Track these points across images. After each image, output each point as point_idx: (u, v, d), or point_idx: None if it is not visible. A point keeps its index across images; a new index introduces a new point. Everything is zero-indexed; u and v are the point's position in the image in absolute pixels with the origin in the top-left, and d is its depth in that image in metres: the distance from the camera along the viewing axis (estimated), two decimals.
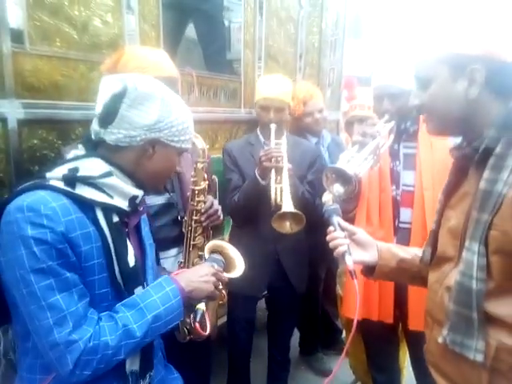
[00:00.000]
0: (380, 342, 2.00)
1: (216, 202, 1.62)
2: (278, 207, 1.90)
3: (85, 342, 0.91)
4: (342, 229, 1.27)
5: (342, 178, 1.48)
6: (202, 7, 2.88)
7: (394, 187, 1.78)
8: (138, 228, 1.20)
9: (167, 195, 1.65)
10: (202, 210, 1.56)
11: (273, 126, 2.06)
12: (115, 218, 1.04)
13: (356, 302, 1.12)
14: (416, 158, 1.74)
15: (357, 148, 1.62)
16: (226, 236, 2.54)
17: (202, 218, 1.56)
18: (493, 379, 0.94)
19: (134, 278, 1.06)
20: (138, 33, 1.89)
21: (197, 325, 1.08)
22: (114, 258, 1.01)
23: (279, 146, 2.02)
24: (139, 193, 1.09)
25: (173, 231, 1.67)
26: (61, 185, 0.97)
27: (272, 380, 2.48)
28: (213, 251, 1.35)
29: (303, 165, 2.13)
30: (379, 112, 1.76)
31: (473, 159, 0.97)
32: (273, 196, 1.92)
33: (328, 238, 1.27)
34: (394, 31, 14.30)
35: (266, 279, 2.19)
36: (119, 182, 1.03)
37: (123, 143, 1.02)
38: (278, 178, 1.94)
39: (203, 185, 1.55)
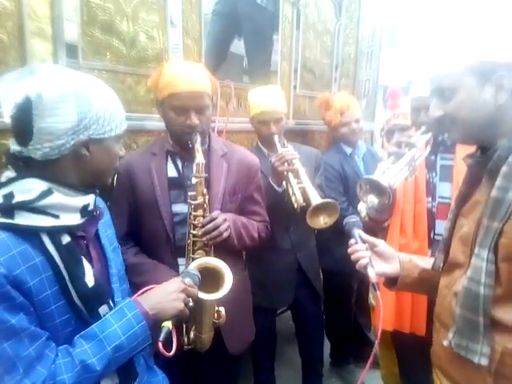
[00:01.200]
0: (413, 356, 1.97)
1: (222, 218, 1.53)
2: (303, 209, 1.89)
3: None
4: (363, 241, 1.28)
5: (377, 189, 1.48)
6: (253, 19, 2.94)
7: (429, 199, 1.76)
8: (97, 235, 1.11)
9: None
10: (200, 225, 1.51)
11: (276, 137, 2.07)
12: (65, 239, 0.95)
13: (380, 312, 1.13)
14: (453, 169, 1.72)
15: (392, 159, 1.62)
16: None
17: (200, 233, 1.51)
18: (497, 383, 0.96)
19: (95, 299, 0.99)
20: (181, 47, 1.98)
21: (159, 344, 0.97)
22: (68, 283, 0.93)
23: (288, 150, 2.02)
24: (89, 199, 1.00)
25: None
26: None
27: None
28: (201, 268, 1.30)
29: (309, 169, 2.12)
30: (416, 123, 1.75)
31: (486, 168, 0.98)
32: (297, 197, 1.91)
33: (349, 250, 1.28)
34: (431, 40, 14.07)
35: (293, 290, 2.19)
36: (62, 197, 0.93)
37: (53, 156, 0.92)
38: (296, 179, 1.94)
39: (200, 199, 1.50)
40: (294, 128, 2.69)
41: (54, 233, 0.93)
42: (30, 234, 0.90)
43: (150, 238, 1.61)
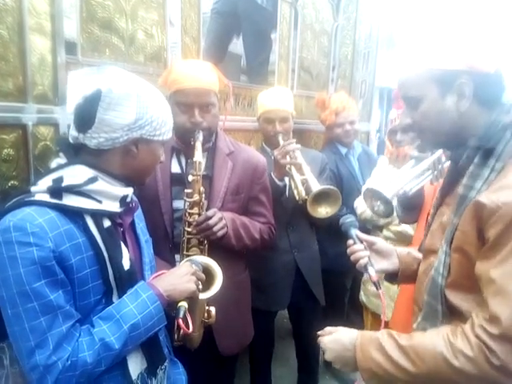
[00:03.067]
0: None
1: (218, 217, 1.54)
2: (305, 201, 1.90)
3: (63, 361, 0.91)
4: (361, 241, 1.29)
5: (381, 198, 1.49)
6: (252, 18, 2.95)
7: None
8: (132, 226, 1.20)
9: None
10: (194, 223, 1.52)
11: (280, 136, 2.08)
12: (107, 223, 1.03)
13: (383, 310, 1.17)
14: None
15: (413, 163, 1.60)
16: None
17: (194, 231, 1.52)
18: None
19: (128, 281, 1.05)
20: (180, 45, 1.99)
21: (180, 321, 1.04)
22: (108, 264, 1.01)
23: (290, 142, 2.01)
24: (128, 191, 1.08)
25: None
26: (47, 197, 0.96)
27: None
28: None
29: (314, 172, 2.11)
30: None
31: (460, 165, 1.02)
32: (299, 189, 1.91)
33: (348, 251, 1.29)
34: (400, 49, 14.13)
35: (289, 291, 2.17)
36: (106, 185, 1.02)
37: (106, 146, 1.01)
38: (298, 172, 1.95)
39: (197, 197, 1.51)
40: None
41: (97, 216, 1.01)
42: (75, 215, 0.98)
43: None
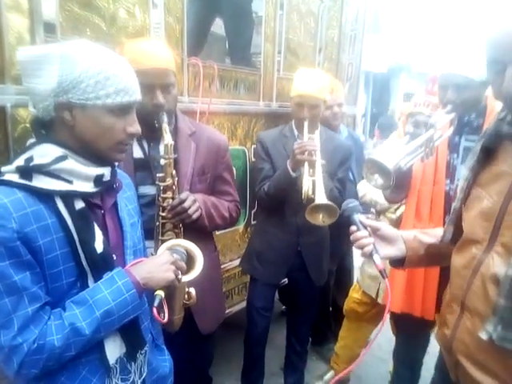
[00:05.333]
0: (414, 337, 2.01)
1: (191, 199, 1.53)
2: (309, 200, 1.91)
3: (29, 344, 0.90)
4: (365, 226, 1.23)
5: (381, 170, 1.44)
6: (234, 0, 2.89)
7: (448, 181, 1.72)
8: (115, 207, 1.14)
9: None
10: (168, 207, 1.50)
11: (306, 123, 2.07)
12: (79, 205, 1.00)
13: (388, 298, 1.12)
14: None
15: (407, 139, 1.57)
16: (241, 226, 2.60)
17: (169, 215, 1.51)
18: None
19: (102, 264, 1.02)
20: (163, 25, 1.94)
21: (154, 310, 1.01)
22: (78, 246, 0.98)
23: (313, 139, 2.03)
24: (104, 171, 1.03)
25: None
26: (16, 178, 0.93)
27: (290, 370, 2.52)
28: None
29: (334, 161, 2.13)
30: (442, 102, 1.67)
31: None
32: (305, 189, 1.92)
33: (352, 238, 1.23)
34: (412, 28, 14.12)
35: (285, 268, 2.24)
36: (75, 164, 0.98)
37: (46, 117, 0.97)
38: (311, 171, 1.95)
39: (169, 181, 1.49)
40: (277, 110, 2.68)
41: (68, 197, 0.98)
42: (45, 196, 0.95)
43: None
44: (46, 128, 1.01)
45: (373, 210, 2.37)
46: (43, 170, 0.94)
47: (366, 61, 3.56)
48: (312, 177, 1.94)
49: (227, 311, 2.49)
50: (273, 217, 2.21)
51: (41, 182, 0.94)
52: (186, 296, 1.42)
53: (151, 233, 1.53)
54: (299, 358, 2.50)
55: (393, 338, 2.23)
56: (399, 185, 1.75)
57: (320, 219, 1.93)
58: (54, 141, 0.98)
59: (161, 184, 1.50)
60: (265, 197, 2.11)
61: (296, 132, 2.20)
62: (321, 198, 1.87)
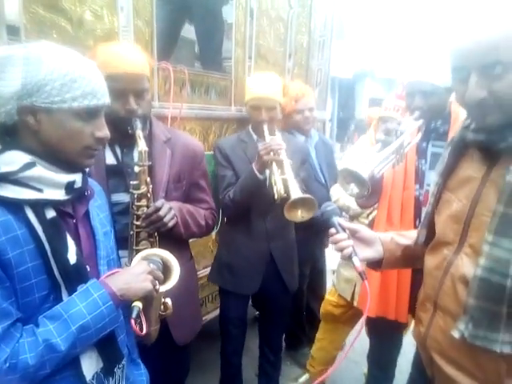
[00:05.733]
0: (387, 339, 2.04)
1: (167, 207, 1.49)
2: (283, 199, 1.89)
3: (0, 363, 0.85)
4: (344, 229, 1.24)
5: (357, 179, 1.46)
6: (202, 3, 2.86)
7: (417, 186, 1.75)
8: (87, 216, 1.10)
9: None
10: (143, 216, 1.47)
11: (265, 125, 2.06)
12: (50, 214, 0.96)
13: (367, 300, 1.12)
14: None
15: (379, 147, 1.60)
16: (214, 233, 2.56)
17: (143, 224, 1.48)
18: (511, 367, 0.95)
19: (75, 276, 0.98)
20: (131, 29, 1.89)
21: (132, 322, 0.98)
22: (50, 258, 0.94)
23: (277, 139, 2.01)
24: (75, 177, 0.99)
25: None
26: None
27: (264, 379, 2.49)
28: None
29: (295, 161, 2.12)
30: (410, 108, 1.70)
31: (489, 147, 0.93)
32: (278, 188, 1.90)
33: (331, 240, 1.24)
34: (375, 34, 14.51)
35: (259, 277, 2.17)
36: (44, 171, 0.94)
37: (9, 121, 0.92)
38: (279, 170, 1.94)
39: (144, 189, 1.46)
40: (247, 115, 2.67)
41: (38, 206, 0.93)
42: (13, 206, 0.90)
43: None
44: (10, 134, 0.95)
45: (345, 214, 2.39)
46: (10, 179, 0.90)
47: (331, 66, 3.61)
48: (282, 175, 1.93)
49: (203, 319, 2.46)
50: (238, 225, 2.15)
51: (8, 191, 0.89)
52: (163, 307, 1.38)
53: (125, 242, 1.49)
54: (273, 367, 2.48)
55: (366, 340, 2.25)
56: (371, 191, 1.79)
57: (299, 215, 1.90)
58: (20, 147, 0.93)
59: (135, 192, 1.46)
60: (230, 204, 2.05)
61: (255, 136, 2.18)
62: (297, 193, 1.85)
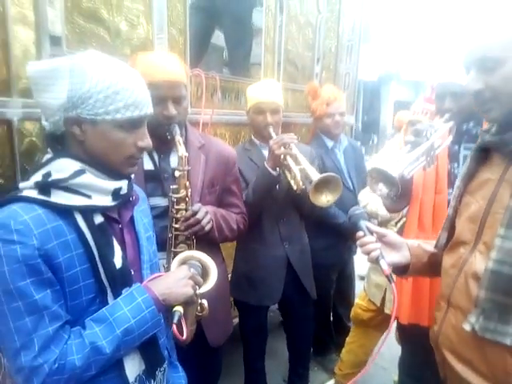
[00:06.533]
0: (420, 347, 1.99)
1: (203, 211, 1.52)
2: (303, 190, 1.88)
3: (50, 364, 0.88)
4: (371, 232, 1.25)
5: (386, 179, 1.43)
6: (231, 10, 2.91)
7: (450, 190, 1.69)
8: (131, 221, 1.13)
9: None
10: (182, 219, 1.50)
11: (271, 128, 2.05)
12: (98, 219, 0.99)
13: (394, 303, 1.13)
14: None
15: (408, 148, 1.56)
16: None
17: (182, 227, 1.51)
18: None
19: (121, 280, 1.01)
20: (166, 37, 1.94)
21: (174, 327, 1.00)
22: (98, 262, 0.97)
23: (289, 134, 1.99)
24: (121, 184, 1.02)
25: None
26: (34, 194, 0.92)
27: None
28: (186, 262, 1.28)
29: None
30: (441, 111, 1.66)
31: (505, 147, 0.97)
32: (298, 178, 1.87)
33: (359, 243, 1.25)
34: (401, 37, 14.34)
35: (281, 286, 2.14)
36: (93, 178, 0.97)
37: (56, 131, 0.96)
38: (294, 162, 1.91)
39: (183, 193, 1.49)
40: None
41: (87, 212, 0.97)
42: (64, 212, 0.94)
43: None
44: (60, 143, 1.00)
45: (374, 221, 2.37)
46: (61, 185, 0.93)
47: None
48: (299, 166, 1.90)
49: None
50: (251, 232, 2.05)
51: (60, 198, 0.93)
52: (199, 308, 1.41)
53: (162, 244, 1.51)
54: (301, 380, 2.49)
55: (394, 346, 2.22)
56: (401, 194, 1.76)
57: (324, 200, 1.87)
58: (70, 155, 0.97)
59: (174, 196, 1.49)
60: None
61: (258, 142, 2.17)
62: (317, 175, 1.82)
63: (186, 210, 1.51)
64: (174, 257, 1.49)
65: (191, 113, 2.10)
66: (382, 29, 13.94)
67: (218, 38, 3.26)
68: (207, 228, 1.54)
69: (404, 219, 2.08)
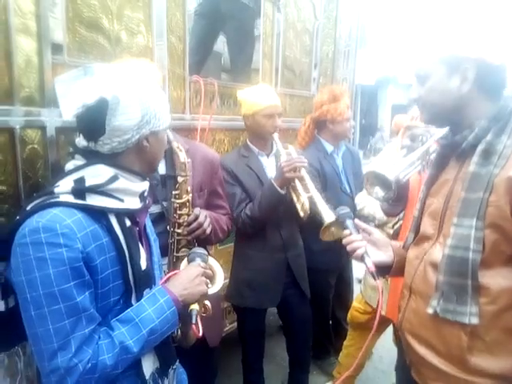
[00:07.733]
0: None
1: (203, 215, 1.57)
2: (310, 217, 1.90)
3: (84, 364, 0.91)
4: (358, 230, 1.31)
5: (382, 182, 1.48)
6: (236, 17, 2.93)
7: None
8: (144, 225, 1.19)
9: (163, 204, 1.62)
10: (184, 224, 1.54)
11: (275, 135, 2.07)
12: (128, 222, 1.04)
13: (380, 301, 1.20)
14: None
15: (405, 152, 1.61)
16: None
17: (185, 232, 1.54)
18: (471, 341, 1.04)
19: (144, 281, 1.07)
20: (165, 45, 1.96)
21: (193, 327, 1.06)
22: (128, 264, 1.02)
23: (299, 156, 2.01)
24: (146, 185, 1.09)
25: (167, 240, 1.63)
26: (71, 198, 0.95)
27: None
28: None
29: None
30: None
31: (457, 149, 1.11)
32: (305, 206, 1.88)
33: (344, 241, 1.30)
34: (398, 40, 14.41)
35: (281, 288, 2.18)
36: (126, 182, 1.03)
37: (119, 149, 1.02)
38: (302, 186, 1.93)
39: (185, 198, 1.53)
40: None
41: (121, 215, 1.02)
42: (99, 216, 0.98)
43: None
44: (92, 151, 1.03)
45: (371, 224, 2.39)
46: (97, 190, 0.98)
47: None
48: (307, 193, 1.91)
49: (229, 326, 2.50)
50: (253, 239, 2.11)
51: (96, 201, 0.97)
52: (203, 308, 1.44)
53: (161, 250, 1.54)
54: (301, 373, 2.49)
55: (393, 350, 2.23)
56: (397, 198, 1.79)
57: (332, 236, 1.88)
58: (104, 162, 1.01)
59: (176, 201, 1.53)
60: (249, 221, 2.02)
61: (255, 149, 2.15)
62: (330, 216, 1.80)
63: (188, 214, 1.54)
64: (176, 261, 1.52)
65: (190, 119, 2.13)
66: (378, 32, 14.01)
67: (216, 44, 3.29)
68: (208, 231, 1.58)
69: (400, 222, 2.12)
